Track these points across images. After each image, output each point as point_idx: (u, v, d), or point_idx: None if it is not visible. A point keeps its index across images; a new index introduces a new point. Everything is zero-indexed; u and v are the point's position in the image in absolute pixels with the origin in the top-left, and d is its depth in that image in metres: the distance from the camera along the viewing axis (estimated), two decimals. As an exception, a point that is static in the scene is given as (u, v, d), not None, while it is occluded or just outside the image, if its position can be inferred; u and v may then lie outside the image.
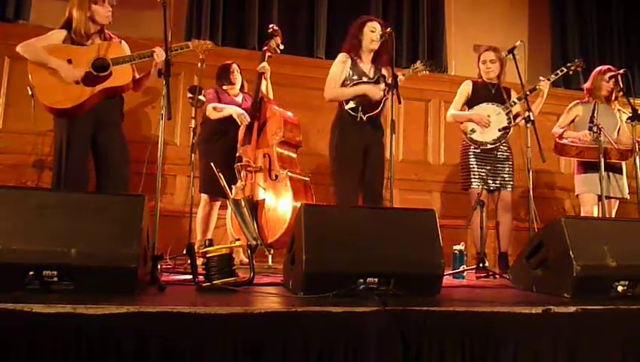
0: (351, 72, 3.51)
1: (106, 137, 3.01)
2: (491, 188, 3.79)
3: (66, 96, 2.89)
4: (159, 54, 2.96)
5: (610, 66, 4.11)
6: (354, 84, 3.47)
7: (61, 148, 2.94)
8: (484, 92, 3.91)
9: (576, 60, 4.04)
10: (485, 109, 3.83)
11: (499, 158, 3.81)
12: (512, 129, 3.77)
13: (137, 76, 3.14)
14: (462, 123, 3.89)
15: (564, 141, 3.94)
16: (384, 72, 3.54)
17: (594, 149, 3.74)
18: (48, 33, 3.01)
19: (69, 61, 2.93)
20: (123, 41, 3.13)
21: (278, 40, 3.90)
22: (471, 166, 3.81)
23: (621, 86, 4.00)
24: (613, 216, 3.91)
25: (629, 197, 3.97)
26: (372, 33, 3.52)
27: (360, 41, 3.54)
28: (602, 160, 3.64)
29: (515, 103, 3.78)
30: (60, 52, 2.94)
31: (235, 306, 1.69)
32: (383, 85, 3.45)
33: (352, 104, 3.46)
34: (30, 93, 2.95)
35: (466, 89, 3.97)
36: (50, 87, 2.90)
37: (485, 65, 3.93)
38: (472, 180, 3.78)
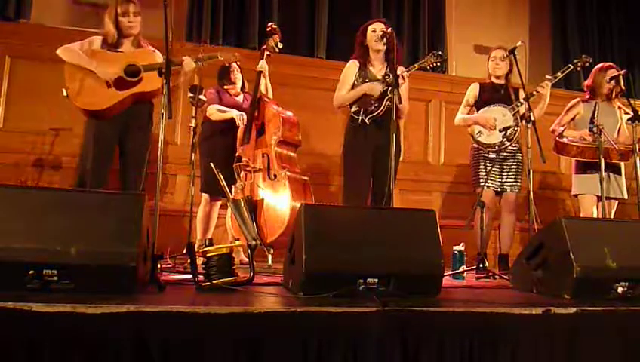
0: (358, 76, 3.55)
1: (131, 140, 3.15)
2: (498, 189, 3.80)
3: (98, 98, 3.05)
4: (187, 63, 3.17)
5: (611, 63, 4.09)
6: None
7: (87, 148, 3.12)
8: (492, 93, 3.90)
9: (582, 56, 4.01)
10: (492, 111, 3.83)
11: (506, 159, 3.82)
12: (518, 129, 3.76)
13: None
14: (469, 126, 3.89)
15: (565, 140, 3.92)
16: (399, 70, 3.47)
17: (595, 149, 3.73)
18: (88, 38, 3.19)
19: (107, 67, 3.08)
20: (157, 51, 3.24)
21: (277, 38, 3.90)
22: (479, 167, 3.82)
23: (622, 87, 3.99)
24: (612, 216, 3.90)
25: (627, 197, 3.96)
26: (373, 34, 3.53)
27: (366, 45, 3.57)
28: (602, 160, 3.63)
29: (521, 103, 3.77)
30: (97, 56, 3.11)
31: (234, 306, 1.70)
32: (381, 86, 3.44)
33: (355, 107, 3.52)
34: (65, 94, 3.10)
35: (472, 92, 3.98)
36: (83, 90, 3.06)
37: (494, 62, 3.93)
38: (480, 181, 3.79)
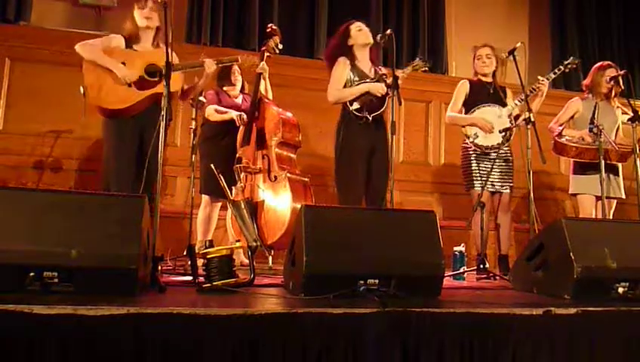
0: (352, 74, 3.54)
1: (149, 141, 3.02)
2: (492, 189, 3.79)
3: (117, 97, 3.01)
4: (209, 65, 3.15)
5: (610, 63, 4.09)
6: (357, 85, 3.51)
7: (109, 149, 3.08)
8: (482, 92, 3.88)
9: (571, 58, 4.02)
10: (487, 112, 3.81)
11: (499, 160, 3.81)
12: (514, 131, 3.75)
13: (186, 86, 3.27)
14: (463, 126, 3.88)
15: (564, 140, 3.91)
16: (384, 70, 3.56)
17: (593, 150, 3.72)
18: (108, 36, 3.16)
19: (123, 64, 3.04)
20: (174, 53, 3.18)
21: (277, 40, 3.90)
22: (472, 167, 3.80)
23: (622, 87, 3.99)
24: (611, 216, 3.91)
25: (625, 197, 3.97)
26: (360, 32, 3.57)
27: (350, 45, 3.58)
28: (602, 161, 3.63)
29: (516, 105, 3.77)
30: (116, 54, 3.07)
31: (235, 307, 1.69)
32: (384, 84, 3.47)
33: (356, 105, 3.49)
34: (82, 92, 3.04)
35: (463, 89, 3.95)
36: (102, 88, 3.01)
37: (481, 61, 3.91)
38: (474, 182, 3.78)
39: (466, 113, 3.90)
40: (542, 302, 2.12)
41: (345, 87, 3.52)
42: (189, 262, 2.44)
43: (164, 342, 1.56)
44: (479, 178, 3.76)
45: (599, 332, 1.95)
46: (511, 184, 3.84)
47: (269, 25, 4.00)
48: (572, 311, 1.94)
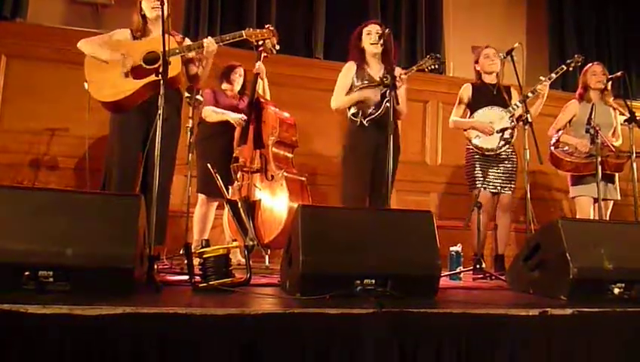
0: (355, 79, 3.52)
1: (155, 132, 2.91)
2: (494, 190, 3.80)
3: (115, 89, 2.92)
4: (209, 44, 2.99)
5: (597, 62, 4.12)
6: (357, 90, 3.50)
7: (112, 143, 3.00)
8: (485, 93, 3.90)
9: (575, 56, 4.03)
10: (488, 115, 3.82)
11: (502, 161, 3.82)
12: (515, 131, 3.76)
13: (195, 71, 3.16)
14: (465, 130, 3.89)
15: (560, 154, 3.94)
16: (397, 71, 3.44)
17: (590, 164, 3.76)
18: (112, 31, 3.08)
19: (123, 55, 2.93)
20: (186, 39, 3.14)
21: (274, 40, 3.88)
22: (475, 168, 3.82)
23: (607, 88, 4.02)
24: (607, 217, 3.92)
25: (619, 198, 3.99)
26: (368, 36, 3.53)
27: (362, 48, 3.56)
28: (599, 161, 3.63)
29: (518, 106, 3.78)
30: (116, 47, 2.98)
31: (231, 307, 1.69)
32: (377, 91, 3.44)
33: (353, 110, 3.51)
34: (86, 87, 3.00)
35: (466, 92, 3.97)
36: (101, 82, 2.94)
37: (489, 59, 3.91)
38: (477, 183, 3.79)
39: (470, 115, 3.91)
40: (538, 303, 2.13)
41: (350, 91, 3.51)
42: (186, 261, 2.44)
43: (160, 342, 1.56)
44: (481, 179, 3.77)
45: (595, 333, 1.96)
46: (513, 186, 3.85)
47: (266, 25, 3.99)
48: (568, 311, 1.95)
